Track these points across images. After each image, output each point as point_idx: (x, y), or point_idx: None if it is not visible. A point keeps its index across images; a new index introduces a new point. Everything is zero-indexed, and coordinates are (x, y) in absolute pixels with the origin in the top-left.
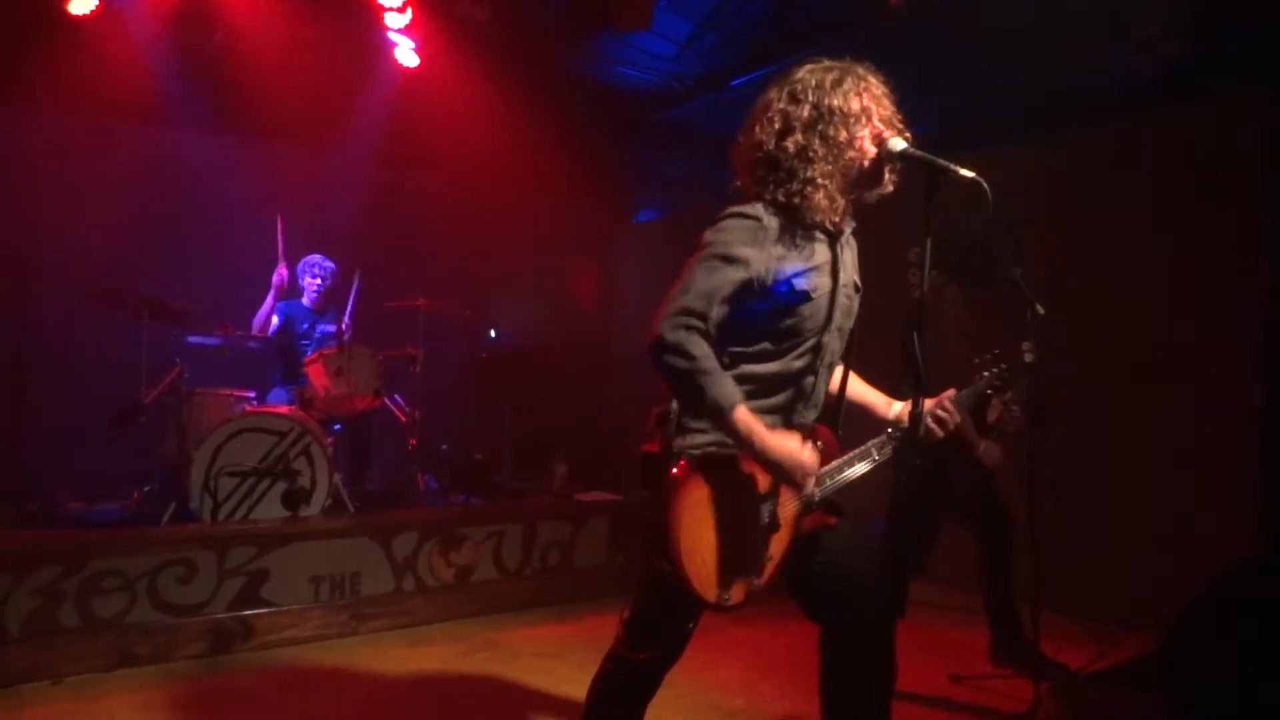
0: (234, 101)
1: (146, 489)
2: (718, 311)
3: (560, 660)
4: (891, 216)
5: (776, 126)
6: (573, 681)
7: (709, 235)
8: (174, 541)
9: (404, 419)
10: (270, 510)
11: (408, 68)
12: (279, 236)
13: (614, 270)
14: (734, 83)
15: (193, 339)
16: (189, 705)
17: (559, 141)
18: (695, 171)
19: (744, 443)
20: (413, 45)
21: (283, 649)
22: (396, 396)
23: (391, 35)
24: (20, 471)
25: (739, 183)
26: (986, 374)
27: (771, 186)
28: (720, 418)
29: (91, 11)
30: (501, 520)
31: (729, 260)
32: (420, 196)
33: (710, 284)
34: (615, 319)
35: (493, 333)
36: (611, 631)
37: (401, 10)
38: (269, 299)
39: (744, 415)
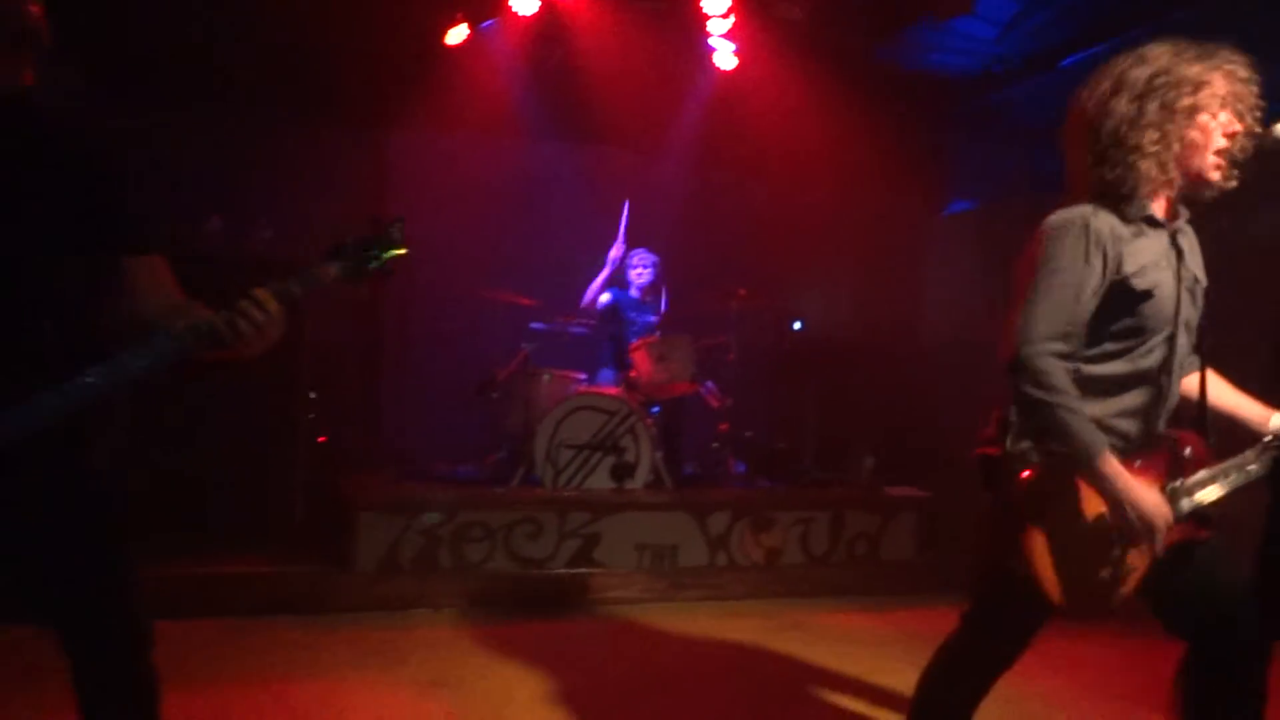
0: (573, 111)
1: (498, 455)
2: (1073, 329)
3: (869, 649)
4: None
5: (1107, 88)
6: (882, 672)
7: (1041, 250)
8: (526, 503)
9: (715, 405)
10: (600, 482)
11: (726, 70)
12: (623, 219)
13: (923, 263)
14: (1063, 63)
15: (536, 325)
16: (535, 645)
17: (869, 134)
18: (1014, 160)
19: (1102, 485)
20: (733, 48)
21: (610, 606)
22: (708, 383)
23: (712, 40)
24: (398, 435)
25: (1067, 164)
26: None
27: (1094, 161)
28: (1081, 458)
29: (463, 41)
30: (810, 507)
31: (1069, 273)
32: (734, 193)
33: (1059, 303)
34: (924, 313)
35: (797, 324)
36: (921, 629)
37: (725, 16)
38: (603, 273)
39: (1111, 462)
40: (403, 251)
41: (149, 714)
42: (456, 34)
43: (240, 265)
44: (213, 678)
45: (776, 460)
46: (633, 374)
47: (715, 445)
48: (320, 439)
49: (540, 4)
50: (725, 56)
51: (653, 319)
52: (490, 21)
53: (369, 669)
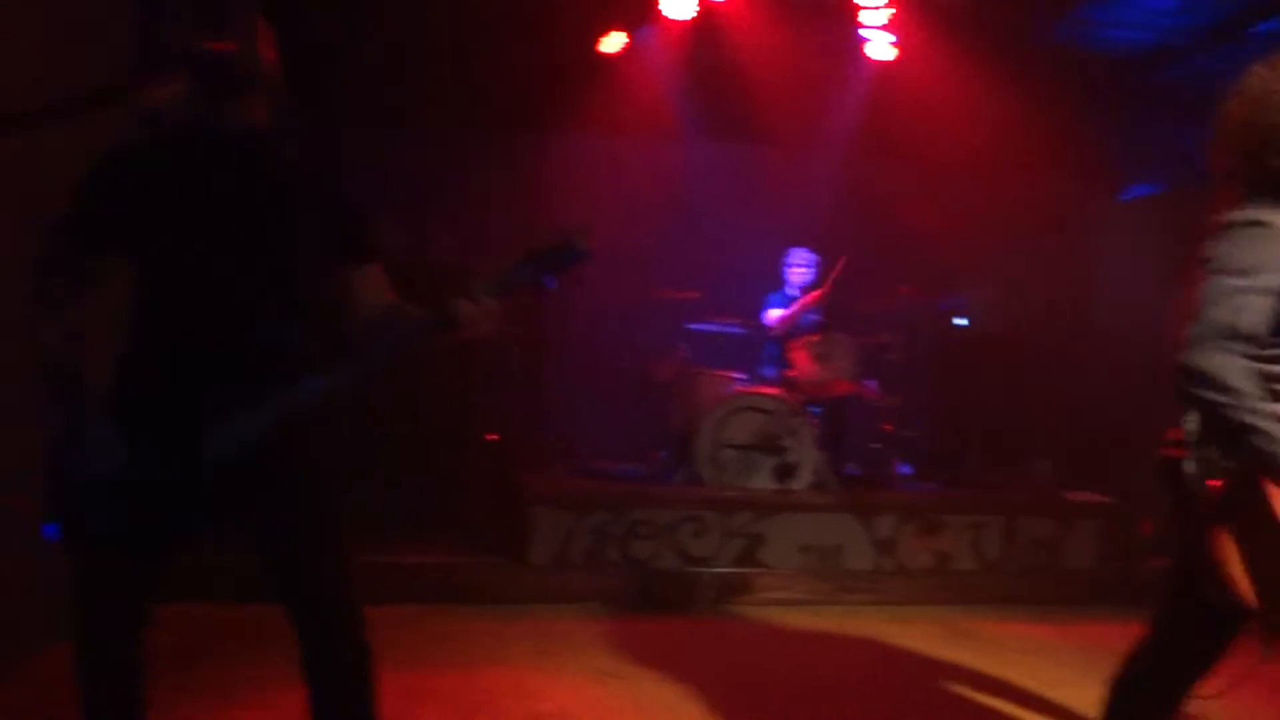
0: (729, 111)
1: (661, 454)
2: (1250, 332)
3: (1048, 661)
4: None
5: None
6: (1065, 684)
7: (1213, 250)
8: (691, 501)
9: (878, 404)
10: (762, 482)
11: (880, 62)
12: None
13: (1096, 253)
14: (1253, 29)
15: (693, 325)
16: (703, 642)
17: (1037, 118)
18: (1198, 139)
19: None
20: (891, 39)
21: (774, 608)
22: (870, 382)
23: (864, 31)
24: (562, 433)
25: (1225, 163)
26: None
27: (1271, 153)
28: (1268, 461)
29: (620, 50)
30: (981, 511)
31: (1244, 276)
32: (890, 187)
33: (1232, 305)
34: (1099, 307)
35: (961, 320)
36: (1105, 641)
37: (884, 6)
38: (793, 308)
39: None
40: (589, 257)
41: (366, 686)
42: (612, 42)
43: (426, 271)
44: (404, 661)
45: (943, 462)
46: (792, 373)
47: (877, 445)
48: (490, 436)
49: (697, 10)
50: (881, 47)
51: (814, 318)
52: (644, 28)
53: (549, 657)
